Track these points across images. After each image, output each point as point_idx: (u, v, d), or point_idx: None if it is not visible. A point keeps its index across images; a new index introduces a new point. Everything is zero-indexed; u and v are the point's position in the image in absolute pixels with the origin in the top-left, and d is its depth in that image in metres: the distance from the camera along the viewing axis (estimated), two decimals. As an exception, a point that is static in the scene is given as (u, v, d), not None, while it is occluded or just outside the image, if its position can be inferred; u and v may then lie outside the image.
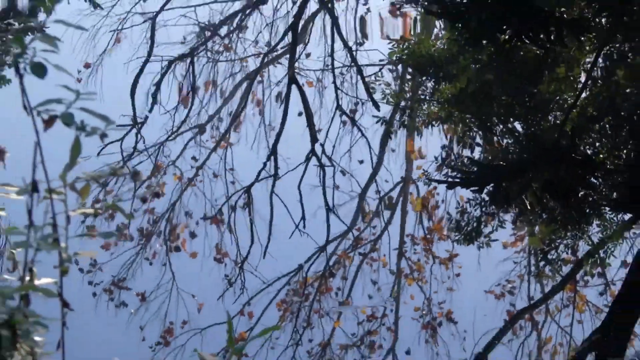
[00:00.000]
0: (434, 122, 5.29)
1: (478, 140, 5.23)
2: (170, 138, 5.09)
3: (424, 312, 4.18)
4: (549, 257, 4.51)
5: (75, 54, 5.34)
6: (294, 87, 5.36)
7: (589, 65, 5.62)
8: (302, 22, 5.89)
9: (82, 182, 3.47)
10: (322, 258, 4.40)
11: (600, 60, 5.65)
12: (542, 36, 5.28)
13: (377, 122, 5.25)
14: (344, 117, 5.25)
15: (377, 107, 5.30)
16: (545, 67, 5.52)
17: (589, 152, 5.14)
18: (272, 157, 4.91)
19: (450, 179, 4.87)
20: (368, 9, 6.05)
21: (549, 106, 5.39)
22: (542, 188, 4.85)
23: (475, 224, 4.65)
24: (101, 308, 4.08)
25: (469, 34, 5.45)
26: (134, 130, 5.09)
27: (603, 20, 5.76)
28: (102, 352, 3.75)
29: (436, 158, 5.03)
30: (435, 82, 5.57)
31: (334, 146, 5.07)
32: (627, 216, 4.72)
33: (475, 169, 5.03)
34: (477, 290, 4.25)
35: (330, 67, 5.59)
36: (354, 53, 5.71)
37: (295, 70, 5.48)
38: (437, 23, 6.15)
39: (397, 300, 4.24)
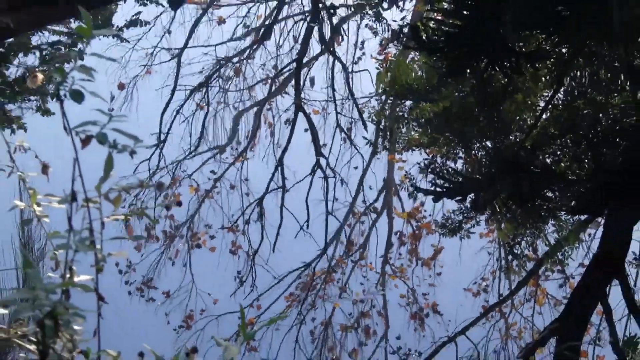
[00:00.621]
0: (414, 147, 5.29)
1: (460, 154, 5.24)
2: (189, 156, 5.05)
3: (410, 301, 4.21)
4: (515, 251, 4.53)
5: (109, 81, 5.27)
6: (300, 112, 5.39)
7: (550, 92, 5.65)
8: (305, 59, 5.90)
9: (114, 193, 3.52)
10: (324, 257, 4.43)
11: (561, 90, 5.67)
12: (506, 64, 5.33)
13: (365, 143, 5.18)
14: (343, 135, 5.26)
15: (365, 127, 5.25)
16: (508, 93, 5.54)
17: (551, 165, 5.17)
18: (280, 170, 4.92)
19: (435, 188, 4.87)
20: (363, 53, 5.99)
21: (511, 126, 5.41)
22: (507, 197, 4.88)
23: (457, 223, 4.67)
24: (132, 301, 4.11)
25: (448, 66, 5.50)
26: (159, 149, 5.07)
27: (563, 50, 5.78)
28: (133, 339, 3.77)
29: (419, 164, 5.01)
30: (415, 106, 5.57)
31: (336, 160, 5.05)
32: (583, 217, 4.76)
33: (459, 179, 5.03)
34: (457, 287, 4.27)
35: (332, 97, 5.55)
36: (351, 83, 5.66)
37: (302, 101, 5.48)
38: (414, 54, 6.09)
39: (384, 292, 4.26)
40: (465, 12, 5.95)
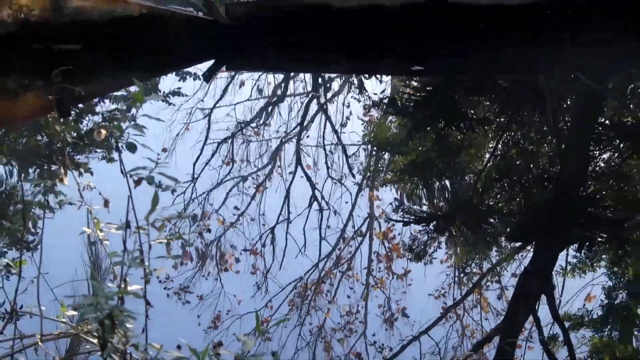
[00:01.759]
0: (389, 185, 5.29)
1: (424, 194, 5.23)
2: (215, 188, 5.03)
3: (385, 309, 4.20)
4: (466, 270, 4.53)
5: (157, 135, 5.26)
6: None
7: (493, 145, 5.67)
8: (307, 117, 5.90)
9: (159, 222, 3.54)
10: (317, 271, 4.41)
11: (501, 144, 5.69)
12: (461, 126, 5.36)
13: (354, 184, 5.15)
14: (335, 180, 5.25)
15: (353, 176, 5.23)
16: (463, 147, 5.56)
17: (492, 202, 5.19)
18: (287, 203, 4.92)
19: (405, 219, 4.87)
20: (350, 113, 5.98)
21: (464, 172, 5.42)
22: (460, 226, 4.90)
23: (422, 247, 4.66)
24: (172, 305, 4.10)
25: (415, 126, 5.53)
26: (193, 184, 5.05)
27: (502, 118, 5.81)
28: (172, 335, 3.77)
29: (391, 204, 4.97)
30: (391, 156, 5.59)
31: (329, 195, 5.02)
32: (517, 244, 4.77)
33: (424, 214, 5.01)
34: (423, 294, 4.26)
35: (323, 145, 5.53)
36: (340, 136, 5.66)
37: (301, 148, 5.48)
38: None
39: (366, 302, 4.25)
40: (428, 87, 6.02)
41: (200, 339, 3.83)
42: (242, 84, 6.04)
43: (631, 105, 6.23)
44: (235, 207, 4.87)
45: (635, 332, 4.14)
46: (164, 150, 5.30)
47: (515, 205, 5.14)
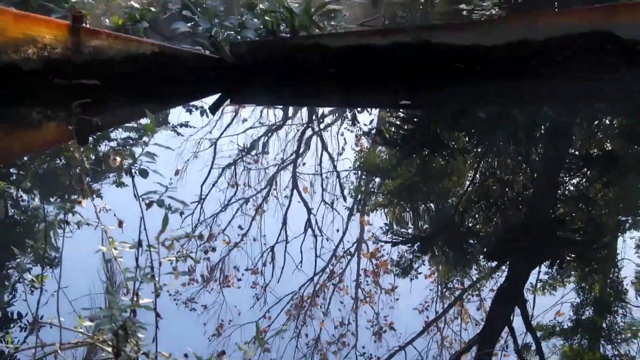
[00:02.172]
0: (378, 208, 5.29)
1: (410, 216, 5.25)
2: (222, 210, 5.02)
3: (374, 323, 4.20)
4: (448, 286, 4.54)
5: (167, 162, 5.28)
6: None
7: (472, 173, 5.69)
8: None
9: (168, 242, 3.56)
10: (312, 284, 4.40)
11: (479, 172, 5.71)
12: (444, 154, 5.38)
13: (345, 208, 5.14)
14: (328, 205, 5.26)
15: (345, 199, 5.23)
16: (445, 174, 5.58)
17: (471, 224, 5.20)
18: (284, 227, 4.92)
19: (392, 240, 4.87)
20: (345, 141, 6.00)
21: (447, 196, 5.44)
22: (443, 245, 4.91)
23: (408, 264, 4.66)
24: (180, 317, 4.10)
25: (402, 155, 5.55)
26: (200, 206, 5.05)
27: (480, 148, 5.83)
28: (180, 344, 3.77)
29: (382, 228, 4.98)
30: (380, 181, 5.59)
31: (323, 217, 5.03)
32: (494, 262, 4.79)
33: (410, 231, 5.02)
34: (408, 308, 4.26)
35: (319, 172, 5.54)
36: (335, 163, 5.66)
37: (297, 174, 5.49)
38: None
39: (356, 314, 4.26)
40: (414, 119, 6.04)
41: (205, 348, 3.83)
42: (244, 120, 6.04)
43: (596, 137, 6.27)
44: (240, 227, 4.87)
45: (602, 342, 4.16)
46: (176, 173, 5.29)
47: (492, 227, 5.17)
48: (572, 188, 5.62)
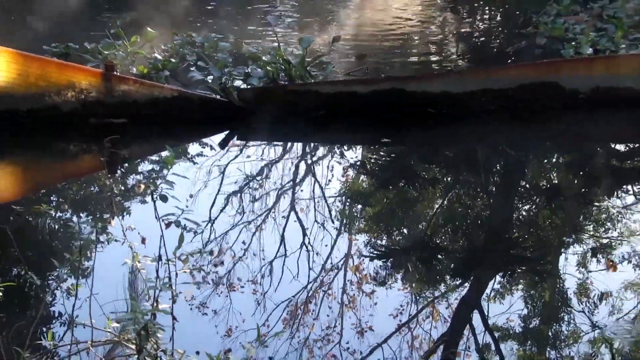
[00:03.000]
0: (362, 229, 5.30)
1: (386, 238, 5.24)
2: (229, 229, 5.03)
3: (356, 325, 4.18)
4: (420, 295, 4.54)
5: (184, 188, 5.26)
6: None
7: (441, 201, 5.71)
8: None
9: (184, 256, 3.56)
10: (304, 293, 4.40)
11: (445, 199, 5.72)
12: (417, 185, 5.40)
13: (334, 228, 5.14)
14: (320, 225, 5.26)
15: (333, 221, 5.20)
16: (417, 200, 5.58)
17: (439, 243, 5.20)
18: (283, 243, 4.90)
19: (372, 255, 4.87)
20: (332, 173, 5.98)
21: (419, 220, 5.44)
22: (415, 262, 4.91)
23: (385, 276, 4.65)
24: (193, 320, 4.09)
25: (380, 184, 5.55)
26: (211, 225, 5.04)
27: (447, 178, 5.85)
28: (193, 343, 3.77)
29: (364, 244, 4.98)
30: (364, 205, 5.60)
31: (315, 238, 5.01)
32: (458, 276, 4.78)
33: (387, 248, 5.01)
34: (386, 313, 4.26)
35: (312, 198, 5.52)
36: (324, 191, 5.65)
37: (295, 199, 5.48)
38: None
39: (342, 317, 4.25)
40: (392, 155, 6.06)
41: (214, 347, 3.83)
42: (248, 156, 6.04)
43: (544, 170, 6.31)
44: (243, 242, 4.85)
45: (548, 343, 4.17)
46: (190, 197, 5.28)
47: (457, 245, 5.17)
48: (523, 213, 5.63)
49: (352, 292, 4.46)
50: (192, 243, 4.62)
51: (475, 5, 9.33)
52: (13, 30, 7.80)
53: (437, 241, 5.19)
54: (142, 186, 5.40)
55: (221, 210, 5.20)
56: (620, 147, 6.63)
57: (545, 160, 6.42)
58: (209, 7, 8.89)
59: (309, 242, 4.93)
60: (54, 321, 4.00)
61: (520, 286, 4.63)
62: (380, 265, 4.75)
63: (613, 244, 5.04)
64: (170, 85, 6.30)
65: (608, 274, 4.70)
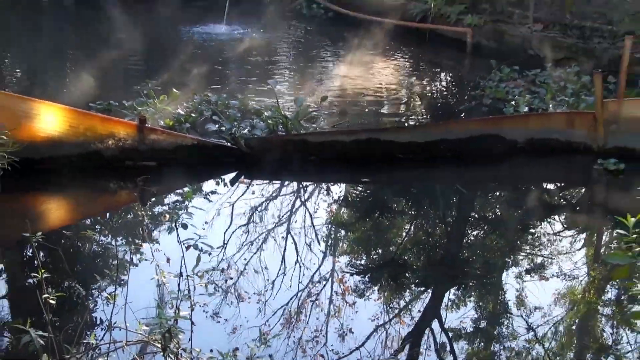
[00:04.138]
0: (345, 251, 5.30)
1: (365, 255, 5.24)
2: (237, 251, 4.99)
3: (339, 328, 4.18)
4: (391, 304, 4.55)
5: (201, 218, 5.25)
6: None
7: (407, 228, 5.73)
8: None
9: (201, 272, 3.57)
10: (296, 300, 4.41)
11: (412, 227, 5.74)
12: (388, 215, 5.39)
13: (320, 251, 5.15)
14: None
15: (319, 243, 5.22)
16: (389, 227, 5.60)
17: (407, 262, 5.20)
18: (284, 263, 4.91)
19: (353, 271, 4.86)
20: (319, 206, 5.94)
21: (390, 243, 5.45)
22: (387, 277, 4.91)
23: (363, 288, 4.65)
24: (208, 324, 4.08)
25: (360, 215, 5.56)
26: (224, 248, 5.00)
27: (413, 211, 5.86)
28: (208, 342, 3.77)
29: (346, 263, 4.98)
30: (346, 232, 5.62)
31: (306, 257, 4.98)
32: (422, 288, 4.81)
33: (365, 266, 4.98)
34: (364, 318, 4.28)
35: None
36: (313, 220, 5.60)
37: (290, 226, 5.48)
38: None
39: (327, 322, 4.26)
40: (369, 191, 6.07)
41: (224, 346, 3.84)
42: (253, 192, 6.05)
43: (490, 204, 6.36)
44: (247, 260, 4.83)
45: (493, 343, 4.19)
46: (206, 223, 5.27)
47: (421, 264, 5.20)
48: (473, 238, 5.67)
49: (336, 302, 4.47)
50: (207, 262, 4.61)
51: (436, 71, 9.45)
52: (68, 88, 7.86)
53: (405, 261, 5.19)
54: (167, 216, 5.41)
55: (231, 236, 5.19)
56: (550, 186, 6.68)
57: (490, 196, 6.48)
58: (226, 72, 8.97)
59: (301, 261, 4.92)
60: (95, 324, 4.01)
61: (471, 297, 4.66)
62: (359, 280, 4.76)
63: (544, 262, 5.09)
64: (190, 135, 6.32)
65: (540, 285, 4.74)
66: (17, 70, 8.85)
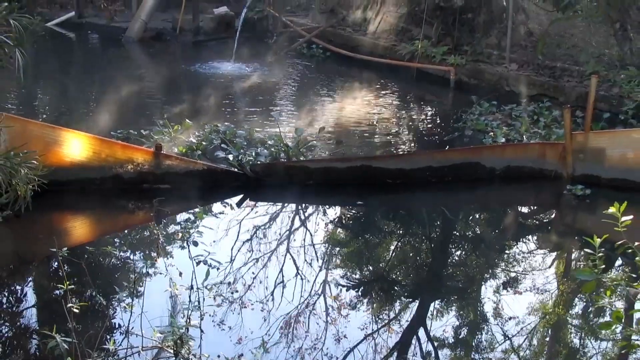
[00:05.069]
0: (339, 266, 5.29)
1: (357, 271, 5.22)
2: (242, 266, 4.97)
3: (335, 335, 4.19)
4: (381, 315, 4.56)
5: (211, 237, 5.24)
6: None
7: (395, 247, 5.73)
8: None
9: (209, 285, 3.56)
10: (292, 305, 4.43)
11: (399, 245, 5.74)
12: (379, 235, 5.38)
13: (318, 267, 5.12)
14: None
15: (318, 260, 5.18)
16: (379, 245, 5.58)
17: (395, 277, 5.21)
18: (281, 276, 4.92)
19: (346, 285, 4.84)
20: (318, 227, 5.96)
21: (380, 259, 5.43)
22: (377, 290, 4.91)
23: (356, 300, 4.64)
24: (215, 332, 4.08)
25: (354, 234, 5.53)
26: (231, 263, 4.98)
27: (400, 231, 5.85)
28: (215, 349, 3.78)
29: (340, 277, 4.98)
30: (340, 249, 5.61)
31: (305, 272, 4.97)
32: (409, 299, 4.83)
33: (358, 279, 4.97)
34: (356, 327, 4.29)
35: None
36: (313, 238, 5.61)
37: (290, 245, 5.49)
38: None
39: (326, 330, 4.28)
40: (361, 212, 6.04)
41: (230, 351, 3.85)
42: (257, 212, 6.05)
43: (470, 226, 6.36)
44: (253, 273, 4.84)
45: (472, 354, 4.19)
46: (214, 240, 5.28)
47: (408, 279, 5.20)
48: (455, 256, 5.68)
49: (331, 312, 4.48)
50: (216, 276, 4.61)
51: (422, 105, 9.53)
52: (93, 118, 7.92)
53: (394, 276, 5.21)
54: (180, 234, 5.43)
55: (237, 252, 5.20)
56: (525, 209, 6.72)
57: (471, 218, 6.50)
58: (234, 105, 9.04)
59: (300, 275, 4.93)
60: (114, 331, 4.01)
61: (453, 308, 4.68)
62: (353, 293, 4.77)
63: (519, 277, 5.11)
64: (201, 161, 6.34)
65: (516, 298, 4.77)
66: (47, 102, 8.92)
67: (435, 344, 4.18)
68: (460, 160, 6.44)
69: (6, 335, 4.03)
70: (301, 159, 6.59)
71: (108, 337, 3.85)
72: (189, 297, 3.85)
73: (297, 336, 4.16)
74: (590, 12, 9.29)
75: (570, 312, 4.76)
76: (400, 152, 7.60)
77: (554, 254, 5.73)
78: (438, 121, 8.75)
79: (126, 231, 5.67)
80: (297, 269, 5.03)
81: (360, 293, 4.78)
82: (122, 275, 4.79)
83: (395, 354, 4.07)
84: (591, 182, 6.42)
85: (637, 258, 2.98)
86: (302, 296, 4.62)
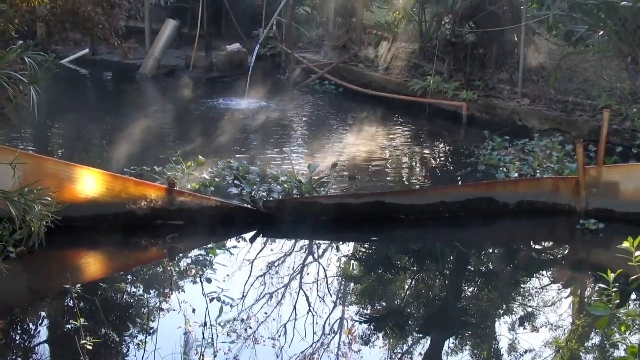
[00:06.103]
0: (353, 301, 5.30)
1: (370, 305, 5.22)
2: (256, 301, 4.99)
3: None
4: (395, 349, 4.57)
5: (225, 267, 5.26)
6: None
7: (409, 282, 5.74)
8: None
9: (222, 322, 3.63)
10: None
11: (414, 280, 5.74)
12: (392, 270, 5.38)
13: (332, 302, 5.15)
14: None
15: (331, 295, 5.22)
16: (393, 280, 5.56)
17: (408, 312, 5.22)
18: (294, 311, 4.95)
19: (359, 320, 4.85)
20: (331, 261, 5.99)
21: (395, 294, 5.42)
22: (391, 325, 4.90)
23: (369, 335, 4.66)
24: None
25: (368, 269, 5.53)
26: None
27: (415, 267, 5.86)
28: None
29: (355, 312, 4.96)
30: (354, 284, 5.62)
31: (318, 306, 4.98)
32: (420, 334, 4.85)
33: (370, 314, 4.96)
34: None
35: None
36: (326, 273, 5.64)
37: (303, 280, 5.54)
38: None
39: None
40: (375, 248, 6.05)
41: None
42: (271, 249, 6.07)
43: (484, 261, 6.33)
44: (265, 312, 4.85)
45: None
46: (227, 276, 5.30)
47: (421, 313, 5.21)
48: (469, 291, 5.68)
49: (344, 348, 4.49)
50: (229, 313, 4.63)
51: (435, 140, 9.62)
52: (106, 154, 8.07)
53: (408, 311, 5.21)
54: (193, 271, 5.47)
55: (250, 289, 5.22)
56: (538, 244, 6.73)
57: (484, 253, 6.49)
58: (247, 140, 9.16)
59: (314, 311, 4.94)
60: (128, 367, 4.07)
61: (467, 344, 4.68)
62: (366, 328, 4.78)
63: (534, 313, 5.10)
64: (214, 197, 6.36)
65: (529, 334, 4.76)
66: (61, 138, 9.10)
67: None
68: (473, 195, 6.45)
69: (20, 371, 4.09)
70: (314, 194, 6.62)
71: (122, 372, 3.88)
72: (202, 333, 3.88)
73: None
74: (602, 46, 9.43)
75: (585, 347, 4.73)
76: (413, 188, 7.65)
77: (568, 289, 5.72)
78: (451, 156, 8.82)
79: (139, 267, 5.73)
80: (310, 305, 5.04)
81: (374, 329, 4.78)
82: (135, 312, 4.83)
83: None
84: (604, 216, 6.43)
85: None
86: (315, 333, 4.62)
